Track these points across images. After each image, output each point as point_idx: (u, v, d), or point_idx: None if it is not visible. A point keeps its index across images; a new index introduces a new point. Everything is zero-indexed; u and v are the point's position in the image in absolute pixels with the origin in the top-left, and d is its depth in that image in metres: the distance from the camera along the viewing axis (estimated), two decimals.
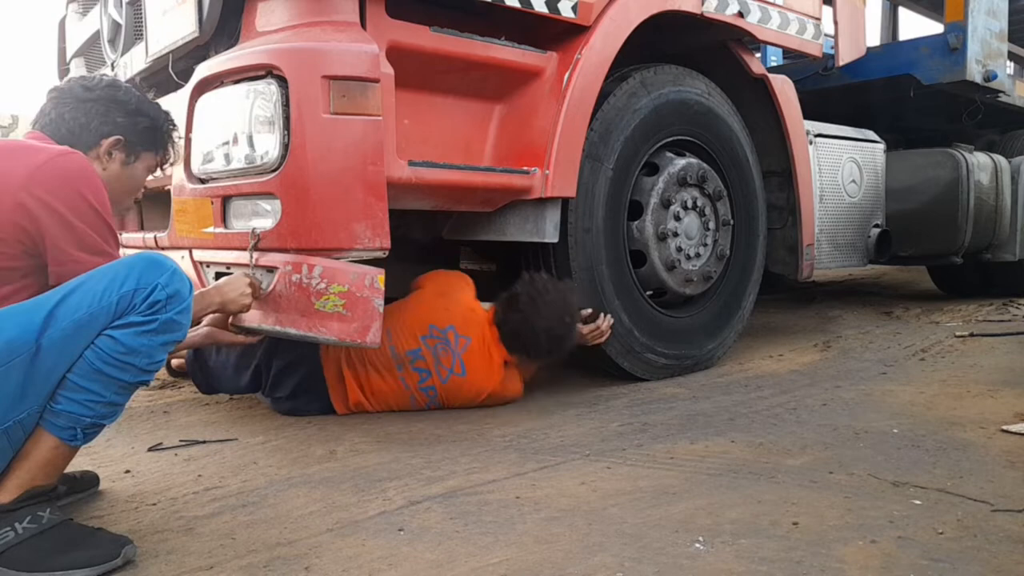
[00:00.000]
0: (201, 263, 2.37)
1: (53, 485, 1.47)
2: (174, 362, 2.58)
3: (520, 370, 2.60)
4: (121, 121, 1.68)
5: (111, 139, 1.67)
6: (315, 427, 2.38)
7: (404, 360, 2.43)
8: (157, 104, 1.80)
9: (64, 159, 1.49)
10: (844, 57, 3.71)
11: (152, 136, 1.76)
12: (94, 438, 1.49)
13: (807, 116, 3.52)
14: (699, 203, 3.02)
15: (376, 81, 2.04)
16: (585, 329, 2.59)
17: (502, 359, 2.48)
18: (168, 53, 2.36)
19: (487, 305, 2.58)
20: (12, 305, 1.39)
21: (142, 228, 2.80)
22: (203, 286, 2.17)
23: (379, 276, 2.04)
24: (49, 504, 1.44)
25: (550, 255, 2.68)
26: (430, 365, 2.43)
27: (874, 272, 7.19)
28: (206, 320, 2.03)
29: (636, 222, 2.85)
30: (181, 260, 2.30)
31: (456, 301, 2.49)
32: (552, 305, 2.41)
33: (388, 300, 2.14)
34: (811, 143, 3.62)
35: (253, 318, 2.07)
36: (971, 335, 3.65)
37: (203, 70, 2.21)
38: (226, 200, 2.18)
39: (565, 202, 2.58)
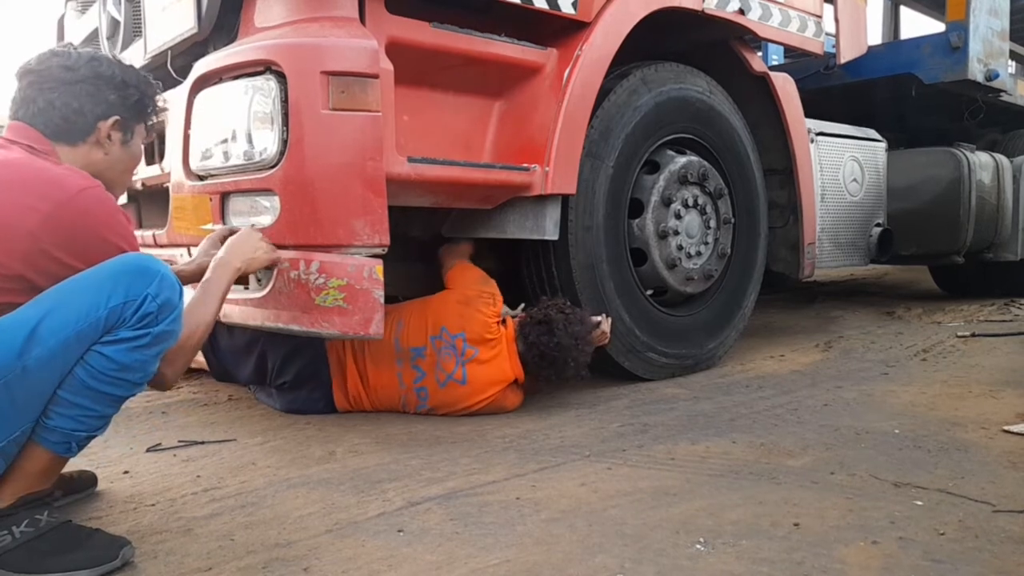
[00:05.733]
0: None
1: (50, 489, 1.47)
2: None
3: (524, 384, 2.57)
4: (113, 99, 1.56)
5: (109, 121, 1.55)
6: (314, 428, 2.37)
7: (406, 355, 2.42)
8: (133, 67, 1.66)
9: (82, 199, 1.38)
10: (845, 55, 3.71)
11: (143, 107, 1.65)
12: (87, 446, 1.49)
13: (808, 114, 3.51)
14: (700, 201, 3.00)
15: (375, 77, 2.03)
16: (594, 334, 2.57)
17: (515, 376, 2.46)
18: (167, 50, 2.35)
19: (507, 311, 2.56)
20: None
21: (140, 226, 2.78)
22: None
23: (377, 267, 2.03)
24: (47, 507, 1.43)
25: (550, 253, 2.67)
26: (430, 366, 2.42)
27: (876, 272, 7.18)
28: (197, 262, 1.94)
29: (637, 220, 2.84)
30: (180, 258, 2.29)
31: (477, 312, 2.44)
32: (580, 334, 2.40)
33: (388, 300, 2.14)
34: (812, 141, 3.62)
35: (259, 317, 2.07)
36: (973, 335, 3.64)
37: (201, 66, 2.20)
38: (225, 197, 2.17)
39: (565, 199, 2.57)
